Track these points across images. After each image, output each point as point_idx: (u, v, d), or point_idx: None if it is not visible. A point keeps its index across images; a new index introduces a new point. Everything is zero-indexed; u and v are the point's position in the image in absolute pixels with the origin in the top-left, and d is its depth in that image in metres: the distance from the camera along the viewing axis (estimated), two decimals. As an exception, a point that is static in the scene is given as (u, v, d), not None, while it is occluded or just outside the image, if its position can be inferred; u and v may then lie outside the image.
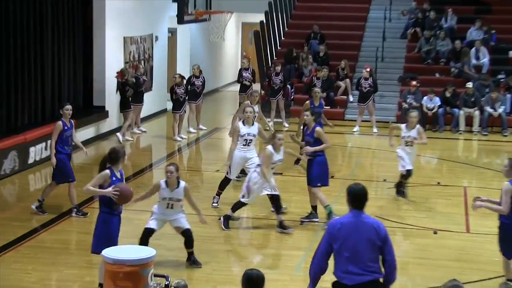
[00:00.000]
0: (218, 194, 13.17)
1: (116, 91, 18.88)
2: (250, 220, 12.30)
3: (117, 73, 18.82)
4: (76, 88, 18.65)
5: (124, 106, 18.79)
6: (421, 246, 11.37)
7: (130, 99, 18.91)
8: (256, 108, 14.26)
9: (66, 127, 12.25)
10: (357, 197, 6.86)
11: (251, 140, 12.76)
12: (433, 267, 10.53)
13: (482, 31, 24.08)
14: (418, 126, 13.56)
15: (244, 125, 12.82)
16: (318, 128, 12.21)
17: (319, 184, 12.21)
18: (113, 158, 9.35)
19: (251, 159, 12.73)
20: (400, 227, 12.06)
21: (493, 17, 25.12)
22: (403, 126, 13.73)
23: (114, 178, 9.18)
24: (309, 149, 12.10)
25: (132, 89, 18.85)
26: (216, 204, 13.07)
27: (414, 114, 13.67)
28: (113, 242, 9.04)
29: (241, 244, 11.55)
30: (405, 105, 21.28)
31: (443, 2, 25.86)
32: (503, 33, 24.40)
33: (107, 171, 9.19)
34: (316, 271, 6.92)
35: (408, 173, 13.70)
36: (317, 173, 12.25)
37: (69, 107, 12.50)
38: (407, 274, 9.86)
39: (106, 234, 9.15)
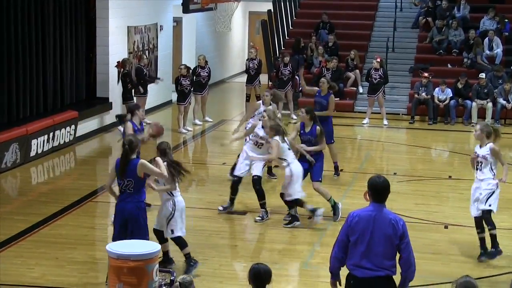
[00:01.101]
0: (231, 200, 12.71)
1: (118, 81, 18.91)
2: (257, 214, 12.31)
3: (118, 62, 18.84)
4: (78, 79, 18.70)
5: (126, 97, 18.80)
6: (432, 241, 11.39)
7: (132, 90, 18.95)
8: (271, 108, 13.85)
9: (136, 128, 12.21)
10: (378, 190, 6.82)
11: (262, 143, 12.54)
12: (445, 262, 10.56)
13: (495, 21, 24.02)
14: (490, 144, 10.50)
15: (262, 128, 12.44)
16: (319, 127, 12.25)
17: (320, 179, 12.25)
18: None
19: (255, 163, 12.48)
20: (410, 221, 12.02)
21: (507, 6, 25.03)
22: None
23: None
24: (307, 148, 12.17)
25: (132, 82, 18.84)
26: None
27: (477, 127, 10.80)
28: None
29: (248, 239, 11.58)
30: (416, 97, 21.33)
31: (455, -10, 25.79)
32: (517, 22, 24.32)
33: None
34: (335, 264, 6.96)
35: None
36: (319, 168, 12.31)
37: (141, 110, 12.56)
38: (418, 270, 9.74)
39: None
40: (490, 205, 10.41)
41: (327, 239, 11.31)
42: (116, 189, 9.21)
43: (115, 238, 8.98)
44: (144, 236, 8.96)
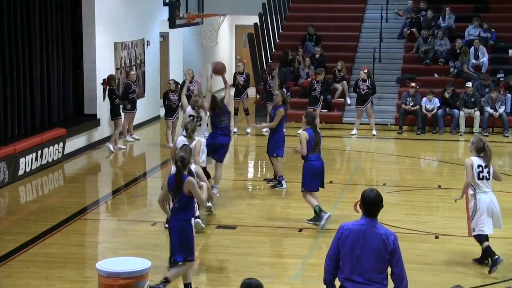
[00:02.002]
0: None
1: (104, 98, 18.82)
2: (247, 228, 12.28)
3: (103, 80, 18.77)
4: (66, 96, 18.65)
5: (114, 113, 18.74)
6: (423, 251, 11.38)
7: (120, 106, 18.89)
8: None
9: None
10: (370, 204, 6.73)
11: None
12: (436, 272, 10.54)
13: (480, 30, 24.14)
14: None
15: None
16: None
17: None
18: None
19: None
20: (401, 232, 12.04)
21: (491, 15, 25.19)
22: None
23: None
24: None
25: (118, 98, 18.79)
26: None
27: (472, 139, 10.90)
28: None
29: (238, 253, 11.53)
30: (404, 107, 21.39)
31: (440, 0, 25.92)
32: (502, 31, 24.46)
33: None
34: (327, 276, 6.92)
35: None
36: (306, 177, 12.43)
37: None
38: (409, 281, 9.82)
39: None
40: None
41: (317, 252, 11.30)
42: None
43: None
44: (189, 254, 9.14)
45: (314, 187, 12.51)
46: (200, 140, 12.52)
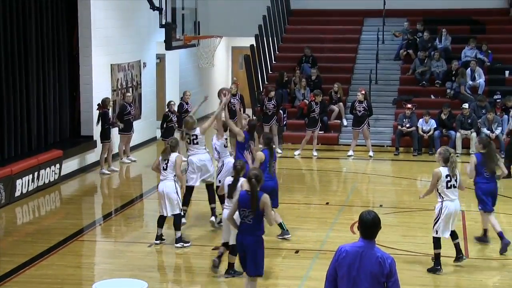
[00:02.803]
0: None
1: (97, 123, 18.85)
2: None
3: (98, 105, 18.81)
4: (62, 118, 18.76)
5: (104, 136, 18.73)
6: (419, 272, 11.44)
7: (111, 130, 18.83)
8: None
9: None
10: (367, 226, 6.71)
11: None
12: (432, 294, 10.60)
13: (477, 51, 24.33)
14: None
15: None
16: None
17: None
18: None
19: None
20: (398, 253, 12.11)
21: (487, 37, 25.38)
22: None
23: None
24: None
25: (109, 123, 18.66)
26: None
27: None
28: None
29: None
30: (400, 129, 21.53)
31: (436, 22, 26.13)
32: (498, 52, 24.65)
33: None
34: None
35: None
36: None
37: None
38: (406, 302, 9.93)
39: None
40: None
41: (314, 273, 11.35)
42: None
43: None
44: (258, 270, 9.50)
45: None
46: (181, 155, 12.93)
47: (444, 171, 11.31)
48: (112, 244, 13.25)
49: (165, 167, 12.61)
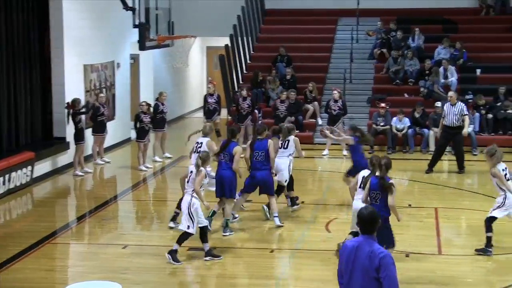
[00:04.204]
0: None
1: (67, 122, 18.69)
2: (218, 250, 12.24)
3: (67, 104, 18.64)
4: (34, 119, 18.56)
5: (78, 138, 18.52)
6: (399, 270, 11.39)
7: (84, 131, 18.66)
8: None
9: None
10: (364, 221, 6.80)
11: None
12: (407, 291, 10.57)
13: (451, 50, 24.42)
14: None
15: None
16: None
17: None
18: None
19: None
20: (372, 252, 12.09)
21: (459, 36, 25.48)
22: None
23: None
24: None
25: (80, 123, 18.47)
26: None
27: None
28: None
29: (211, 275, 11.50)
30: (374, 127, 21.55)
31: (409, 21, 26.21)
32: (470, 51, 24.74)
33: None
34: None
35: None
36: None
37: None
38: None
39: None
40: None
41: (290, 272, 11.30)
42: None
43: None
44: (392, 242, 10.65)
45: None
46: (203, 171, 12.01)
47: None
48: (85, 246, 13.11)
49: (188, 180, 11.92)
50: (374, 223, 6.79)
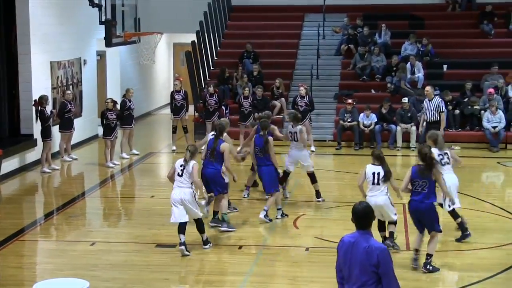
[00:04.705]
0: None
1: (36, 120, 18.62)
2: (187, 246, 12.30)
3: (34, 101, 18.57)
4: (1, 116, 18.46)
5: (44, 135, 18.46)
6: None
7: (51, 128, 18.59)
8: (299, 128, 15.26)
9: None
10: (358, 216, 6.86)
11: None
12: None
13: (416, 46, 24.65)
14: None
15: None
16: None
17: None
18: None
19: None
20: (340, 247, 12.23)
21: (426, 32, 25.72)
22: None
23: None
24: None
25: (46, 120, 18.38)
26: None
27: None
28: None
29: (179, 272, 11.56)
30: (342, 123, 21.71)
31: (376, 17, 26.42)
32: (437, 47, 24.99)
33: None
34: (339, 286, 7.06)
35: None
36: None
37: None
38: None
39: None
40: None
41: (258, 269, 11.39)
42: None
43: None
44: (438, 227, 11.21)
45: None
46: (197, 163, 12.32)
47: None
48: (54, 243, 13.11)
49: (180, 173, 12.08)
50: (369, 218, 6.86)
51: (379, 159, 11.90)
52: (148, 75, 29.39)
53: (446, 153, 12.64)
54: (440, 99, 19.23)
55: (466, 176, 16.41)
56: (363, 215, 6.84)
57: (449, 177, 12.38)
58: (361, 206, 6.89)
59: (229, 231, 13.16)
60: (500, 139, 21.41)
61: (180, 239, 11.96)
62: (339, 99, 23.50)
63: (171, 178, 12.21)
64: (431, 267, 11.19)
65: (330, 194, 16.45)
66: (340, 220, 14.08)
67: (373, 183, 11.82)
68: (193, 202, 12.01)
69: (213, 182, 13.13)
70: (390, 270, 6.75)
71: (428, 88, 19.43)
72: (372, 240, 6.82)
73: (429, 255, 11.22)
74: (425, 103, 19.11)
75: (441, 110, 18.86)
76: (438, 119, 18.80)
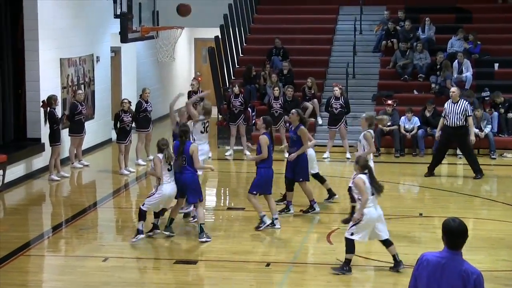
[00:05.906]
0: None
1: (45, 122, 18.67)
2: (209, 263, 12.24)
3: (43, 102, 18.62)
4: (5, 118, 18.53)
5: (53, 139, 18.48)
6: (404, 286, 11.39)
7: (60, 132, 18.63)
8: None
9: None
10: (453, 235, 6.62)
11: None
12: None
13: (465, 42, 24.39)
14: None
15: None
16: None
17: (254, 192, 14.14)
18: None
19: None
20: (379, 265, 12.10)
21: (474, 26, 25.49)
22: None
23: None
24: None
25: (56, 122, 18.43)
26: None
27: None
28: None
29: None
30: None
31: (419, 10, 26.26)
32: (486, 43, 24.78)
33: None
34: None
35: None
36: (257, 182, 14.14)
37: None
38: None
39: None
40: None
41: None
42: None
43: None
44: None
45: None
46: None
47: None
48: (62, 259, 13.09)
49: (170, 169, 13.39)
50: (465, 237, 6.62)
51: (367, 168, 11.87)
52: (167, 73, 29.41)
53: None
54: (467, 102, 18.95)
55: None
56: (459, 234, 6.59)
57: None
58: (455, 223, 6.62)
59: (207, 241, 13.31)
60: (557, 145, 21.16)
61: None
62: (377, 101, 23.36)
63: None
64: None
65: (367, 206, 16.28)
66: (378, 235, 13.91)
67: (372, 194, 11.78)
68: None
69: (191, 189, 13.46)
70: None
71: (454, 89, 19.19)
72: (466, 263, 6.61)
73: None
74: (448, 106, 18.75)
75: (469, 114, 18.60)
76: (464, 123, 18.54)
